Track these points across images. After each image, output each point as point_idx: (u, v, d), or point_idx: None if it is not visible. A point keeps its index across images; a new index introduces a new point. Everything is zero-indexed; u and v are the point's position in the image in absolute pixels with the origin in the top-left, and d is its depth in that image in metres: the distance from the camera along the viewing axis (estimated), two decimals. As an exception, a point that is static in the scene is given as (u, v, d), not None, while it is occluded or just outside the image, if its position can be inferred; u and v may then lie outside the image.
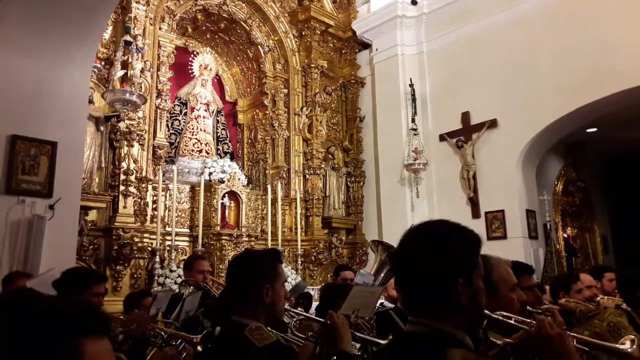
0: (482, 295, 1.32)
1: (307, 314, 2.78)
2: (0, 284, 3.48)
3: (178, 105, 8.10)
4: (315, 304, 4.55)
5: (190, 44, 8.30)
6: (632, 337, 1.41)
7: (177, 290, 4.27)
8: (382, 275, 4.81)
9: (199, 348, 2.92)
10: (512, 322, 1.49)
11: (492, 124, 7.44)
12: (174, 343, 3.06)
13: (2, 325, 0.67)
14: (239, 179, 7.27)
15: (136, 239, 5.99)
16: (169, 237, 6.38)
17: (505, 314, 1.54)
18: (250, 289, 1.96)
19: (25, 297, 0.76)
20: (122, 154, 6.15)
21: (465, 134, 7.71)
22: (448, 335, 1.25)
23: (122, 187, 6.05)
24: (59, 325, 0.70)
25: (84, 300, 2.52)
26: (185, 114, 8.14)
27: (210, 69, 8.32)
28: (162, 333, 3.05)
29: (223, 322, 2.06)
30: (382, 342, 2.53)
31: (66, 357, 0.68)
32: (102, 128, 6.07)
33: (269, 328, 1.97)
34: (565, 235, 9.41)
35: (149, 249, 6.22)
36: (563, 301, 2.69)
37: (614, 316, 2.20)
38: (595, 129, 8.48)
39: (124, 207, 6.04)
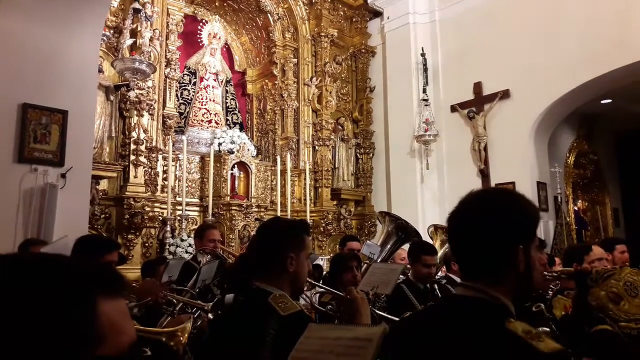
0: (537, 266, 1.33)
1: (328, 288, 2.78)
2: (17, 250, 3.53)
3: (187, 75, 8.05)
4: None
5: (199, 12, 8.18)
6: None
7: (190, 258, 4.32)
8: (389, 246, 4.83)
9: (210, 315, 2.97)
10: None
11: (505, 94, 7.33)
12: (189, 310, 3.10)
13: (17, 282, 0.67)
14: (248, 149, 7.26)
15: (147, 209, 6.04)
16: (179, 207, 6.43)
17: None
18: (275, 255, 1.93)
19: (41, 257, 0.76)
20: (132, 124, 6.16)
21: (477, 104, 7.61)
22: (503, 305, 1.26)
23: (132, 157, 6.07)
24: (75, 283, 0.70)
25: (101, 261, 2.56)
26: (195, 83, 8.09)
27: (219, 38, 8.22)
28: (174, 301, 3.09)
29: (242, 288, 2.05)
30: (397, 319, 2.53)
31: (82, 316, 0.67)
32: (112, 97, 6.08)
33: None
34: (576, 208, 9.37)
35: (160, 218, 6.28)
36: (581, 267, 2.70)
37: (630, 275, 2.21)
38: (609, 101, 8.33)
39: (135, 176, 6.07)
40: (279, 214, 7.20)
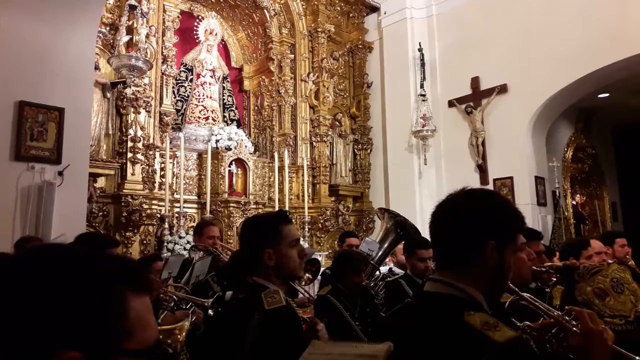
0: (510, 270, 1.35)
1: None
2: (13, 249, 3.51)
3: (184, 72, 8.01)
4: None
5: (195, 9, 8.14)
6: None
7: (188, 256, 4.31)
8: (388, 243, 4.82)
9: (210, 312, 2.97)
10: (539, 306, 1.45)
11: (502, 89, 7.32)
12: (184, 307, 3.10)
13: (51, 277, 0.69)
14: (245, 146, 7.25)
15: (145, 206, 6.02)
16: (177, 204, 6.41)
17: (533, 297, 1.51)
18: (254, 254, 1.99)
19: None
20: (129, 121, 6.13)
21: (474, 99, 7.61)
22: (468, 297, 1.27)
23: (129, 154, 6.04)
24: (107, 279, 0.73)
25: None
26: (191, 80, 8.06)
27: (216, 34, 8.19)
28: (174, 297, 3.09)
29: (238, 284, 2.08)
30: None
31: (114, 310, 0.70)
32: (108, 94, 6.04)
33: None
34: (574, 202, 9.39)
35: (158, 215, 6.26)
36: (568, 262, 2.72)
37: (617, 272, 2.24)
38: (607, 95, 8.34)
39: (132, 174, 6.05)
40: (277, 210, 7.20)
